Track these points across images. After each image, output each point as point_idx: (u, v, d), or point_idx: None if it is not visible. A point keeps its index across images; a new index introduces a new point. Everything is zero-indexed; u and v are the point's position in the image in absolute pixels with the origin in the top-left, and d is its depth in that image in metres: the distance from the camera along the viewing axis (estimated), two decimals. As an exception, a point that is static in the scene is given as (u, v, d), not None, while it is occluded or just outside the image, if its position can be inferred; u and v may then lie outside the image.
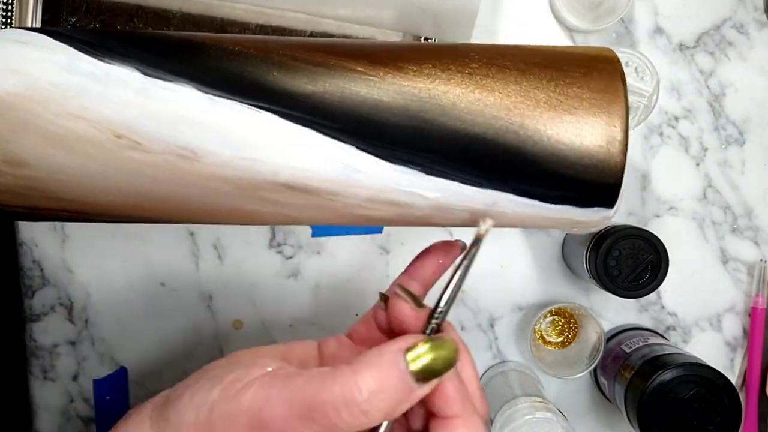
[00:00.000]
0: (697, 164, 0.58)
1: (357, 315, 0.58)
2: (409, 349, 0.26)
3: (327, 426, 0.25)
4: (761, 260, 0.58)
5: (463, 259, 0.29)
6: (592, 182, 0.29)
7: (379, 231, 0.58)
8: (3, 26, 0.49)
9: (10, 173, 0.29)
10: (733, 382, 0.52)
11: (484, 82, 0.29)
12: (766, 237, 0.59)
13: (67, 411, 0.58)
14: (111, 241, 0.57)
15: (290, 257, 0.58)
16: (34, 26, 0.31)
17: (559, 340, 0.58)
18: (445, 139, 0.28)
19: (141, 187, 0.29)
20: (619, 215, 0.49)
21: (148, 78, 0.28)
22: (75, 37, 0.29)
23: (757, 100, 0.58)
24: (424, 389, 0.26)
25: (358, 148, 0.28)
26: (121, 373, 0.57)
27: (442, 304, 0.28)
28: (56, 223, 0.57)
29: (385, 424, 0.27)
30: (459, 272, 0.28)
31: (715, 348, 0.59)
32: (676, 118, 0.58)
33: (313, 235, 0.58)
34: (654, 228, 0.56)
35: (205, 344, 0.58)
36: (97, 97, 0.28)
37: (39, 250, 0.57)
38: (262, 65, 0.29)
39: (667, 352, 0.52)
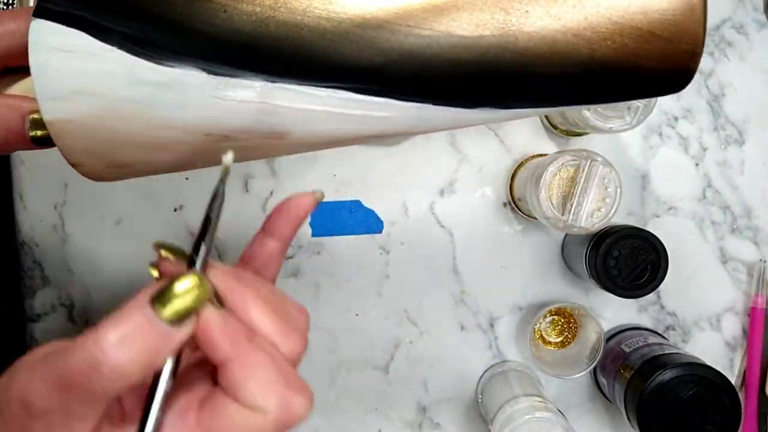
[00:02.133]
0: (697, 164, 0.58)
1: (357, 315, 0.58)
2: (156, 295, 0.24)
3: (86, 394, 0.24)
4: (761, 260, 0.58)
5: (213, 197, 0.27)
6: (665, 75, 0.29)
7: (379, 231, 0.58)
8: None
9: (116, 171, 0.30)
10: (733, 382, 0.52)
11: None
12: (766, 237, 0.59)
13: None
14: (111, 240, 0.57)
15: (290, 257, 0.58)
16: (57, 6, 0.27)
17: (559, 339, 0.59)
18: (519, 80, 0.28)
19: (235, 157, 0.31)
20: (618, 215, 0.49)
21: (216, 77, 0.27)
22: (115, 30, 0.27)
23: (756, 100, 0.58)
24: (183, 331, 0.24)
25: (435, 104, 0.29)
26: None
27: (203, 246, 0.27)
28: (57, 223, 0.57)
29: (164, 377, 0.25)
30: (213, 208, 0.27)
31: (715, 348, 0.59)
32: (676, 119, 0.58)
33: (313, 235, 0.58)
34: (653, 228, 0.56)
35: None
36: (174, 106, 0.27)
37: (39, 250, 0.57)
38: (325, 40, 0.28)
39: (666, 351, 0.52)
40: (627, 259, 0.51)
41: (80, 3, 0.27)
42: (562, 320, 0.58)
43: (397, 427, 0.59)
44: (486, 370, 0.59)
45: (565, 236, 0.58)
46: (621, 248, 0.50)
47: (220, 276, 0.27)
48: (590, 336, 0.56)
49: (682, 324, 0.59)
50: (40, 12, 0.27)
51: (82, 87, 0.27)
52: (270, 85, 0.27)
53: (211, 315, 0.25)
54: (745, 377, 0.59)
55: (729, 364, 0.59)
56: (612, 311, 0.59)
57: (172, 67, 0.27)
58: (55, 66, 0.27)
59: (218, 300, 0.26)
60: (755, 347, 0.58)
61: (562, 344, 0.58)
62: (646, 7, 0.28)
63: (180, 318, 0.24)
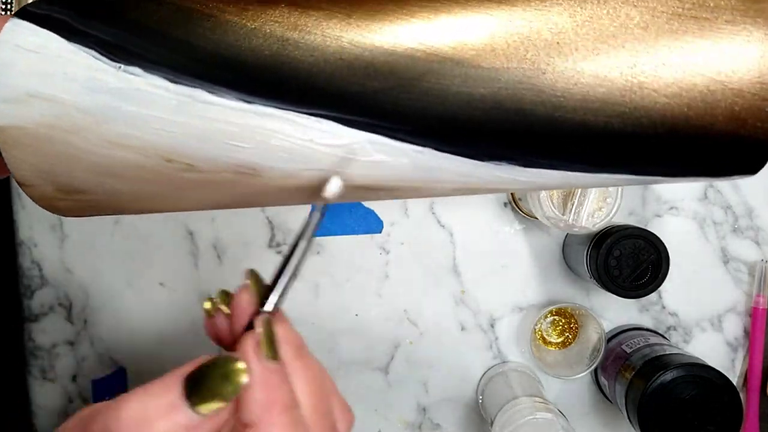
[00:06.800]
0: (698, 164, 0.58)
1: (357, 315, 0.58)
2: (192, 373, 0.23)
3: None
4: (762, 260, 0.58)
5: (297, 241, 0.25)
6: (739, 147, 0.24)
7: (379, 231, 0.58)
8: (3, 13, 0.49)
9: (68, 198, 0.28)
10: (734, 383, 0.51)
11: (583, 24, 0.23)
12: (767, 237, 0.58)
13: (66, 411, 0.58)
14: (110, 241, 0.57)
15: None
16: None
17: (560, 340, 0.58)
18: (547, 130, 0.24)
19: (203, 198, 0.27)
20: (619, 215, 0.49)
21: (182, 87, 0.24)
22: (89, 33, 0.25)
23: (757, 99, 0.58)
24: (207, 424, 0.23)
25: (438, 150, 0.24)
26: (120, 373, 0.57)
27: (273, 298, 0.25)
28: (55, 223, 0.57)
29: None
30: (297, 249, 0.25)
31: (716, 348, 0.59)
32: (677, 118, 0.58)
33: (313, 235, 0.57)
34: (655, 228, 0.56)
35: (205, 344, 0.58)
36: (133, 120, 0.25)
37: (38, 250, 0.57)
38: (310, 59, 0.24)
39: (667, 352, 0.52)
40: (628, 259, 0.50)
41: (63, 7, 0.26)
42: (563, 320, 0.58)
43: (397, 428, 0.59)
44: (486, 371, 0.59)
45: (566, 236, 0.58)
46: (622, 248, 0.50)
47: (282, 328, 0.26)
48: (591, 336, 0.56)
49: (683, 324, 0.59)
50: (21, 14, 0.26)
51: (38, 91, 0.25)
52: (244, 105, 0.24)
53: (257, 376, 0.23)
54: (746, 378, 0.58)
55: (730, 365, 0.59)
56: (613, 311, 0.59)
57: (138, 76, 0.24)
58: (17, 65, 0.25)
59: (273, 351, 0.24)
60: (757, 347, 0.58)
61: (563, 344, 0.58)
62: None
63: (205, 401, 0.22)
